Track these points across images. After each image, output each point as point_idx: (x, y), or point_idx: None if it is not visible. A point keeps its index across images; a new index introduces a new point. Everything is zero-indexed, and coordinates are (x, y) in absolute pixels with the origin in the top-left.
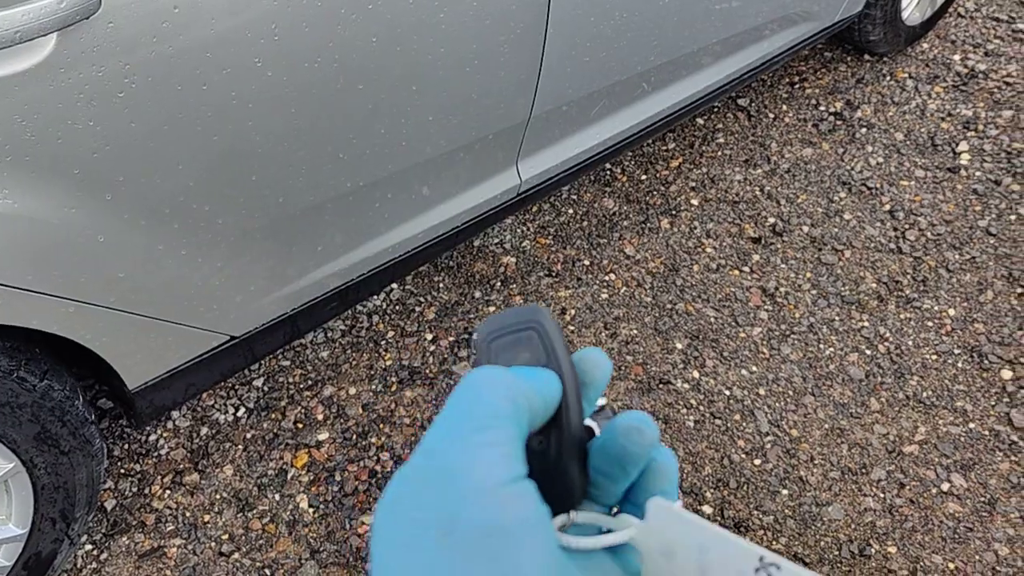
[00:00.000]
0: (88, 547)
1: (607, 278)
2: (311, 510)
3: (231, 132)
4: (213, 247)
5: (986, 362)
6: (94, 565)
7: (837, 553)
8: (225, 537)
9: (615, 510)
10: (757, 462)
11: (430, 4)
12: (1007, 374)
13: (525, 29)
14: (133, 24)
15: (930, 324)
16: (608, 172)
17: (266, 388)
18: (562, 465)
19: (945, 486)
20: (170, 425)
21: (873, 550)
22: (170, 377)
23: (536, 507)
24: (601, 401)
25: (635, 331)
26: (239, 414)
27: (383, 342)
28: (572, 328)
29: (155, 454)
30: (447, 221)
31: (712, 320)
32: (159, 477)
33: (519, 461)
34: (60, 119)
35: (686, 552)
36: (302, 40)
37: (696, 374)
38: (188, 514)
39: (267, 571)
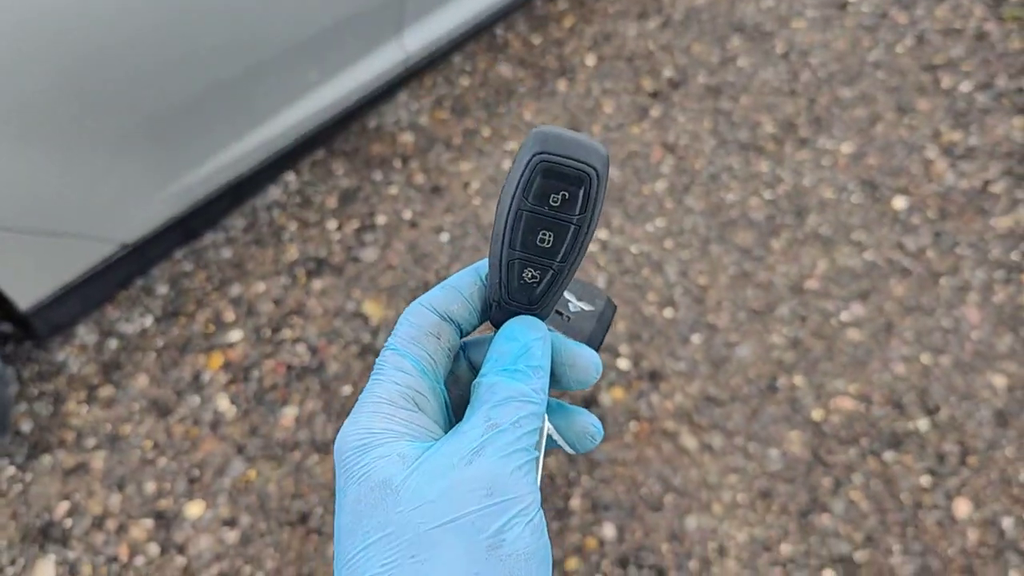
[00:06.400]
0: (11, 470)
1: (508, 147)
2: (232, 408)
3: (85, 27)
4: (89, 151)
5: (879, 193)
6: (19, 487)
7: (748, 390)
8: (149, 445)
9: None
10: (668, 313)
11: None
12: (899, 203)
13: None
14: None
15: (825, 162)
16: (501, 38)
17: (172, 294)
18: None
19: (845, 316)
20: (76, 342)
21: (781, 383)
22: (65, 293)
23: None
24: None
25: None
26: (146, 323)
27: (286, 235)
28: (478, 202)
29: (66, 372)
30: (335, 103)
31: (616, 179)
32: (73, 393)
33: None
34: None
35: None
36: None
37: (603, 234)
38: (108, 427)
39: (196, 471)
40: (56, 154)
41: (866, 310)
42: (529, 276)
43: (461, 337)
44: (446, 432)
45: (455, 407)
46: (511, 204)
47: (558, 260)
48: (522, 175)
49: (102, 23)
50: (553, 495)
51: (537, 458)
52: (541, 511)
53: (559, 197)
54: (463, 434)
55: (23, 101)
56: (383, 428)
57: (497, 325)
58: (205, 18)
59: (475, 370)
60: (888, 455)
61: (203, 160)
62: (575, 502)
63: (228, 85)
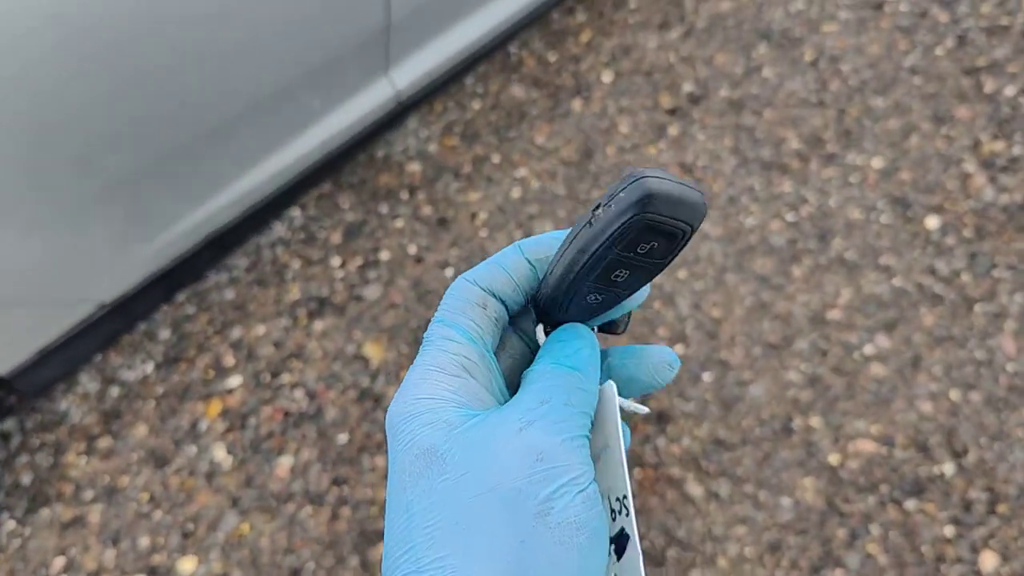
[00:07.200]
0: (11, 524)
1: (518, 174)
2: (228, 458)
3: (40, 93)
4: (52, 219)
5: (911, 212)
6: (18, 542)
7: (760, 432)
8: (145, 497)
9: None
10: (679, 350)
11: None
12: (932, 222)
13: None
14: None
15: (853, 180)
16: (515, 56)
17: (173, 339)
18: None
19: (868, 349)
20: (79, 390)
21: (796, 424)
22: (45, 355)
23: None
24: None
25: (549, 227)
26: (148, 370)
27: (288, 274)
28: (484, 234)
29: (67, 422)
30: (325, 143)
31: None
32: (73, 444)
33: None
34: None
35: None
36: None
37: None
38: (107, 478)
39: (190, 525)
40: (12, 225)
41: (892, 342)
42: (592, 300)
43: (508, 315)
44: (498, 400)
45: (506, 376)
46: (598, 250)
47: (626, 291)
48: (618, 229)
49: (60, 89)
50: None
51: (589, 440)
52: (595, 485)
53: (648, 247)
54: (513, 407)
55: None
56: (430, 395)
57: (543, 319)
58: (176, 73)
59: (524, 339)
60: (909, 503)
61: (184, 214)
62: None
63: (202, 139)
